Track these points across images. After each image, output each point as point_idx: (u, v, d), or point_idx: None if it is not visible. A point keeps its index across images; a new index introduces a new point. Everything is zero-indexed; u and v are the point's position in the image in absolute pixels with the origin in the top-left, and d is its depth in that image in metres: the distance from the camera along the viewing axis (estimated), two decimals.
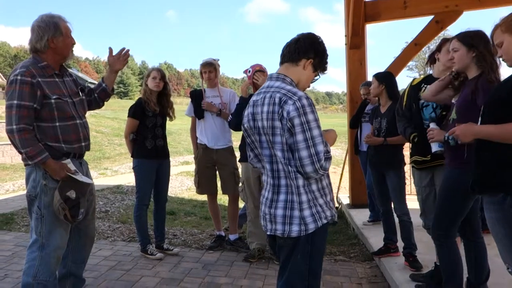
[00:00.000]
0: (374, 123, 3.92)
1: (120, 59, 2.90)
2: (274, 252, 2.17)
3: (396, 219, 3.78)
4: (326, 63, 2.08)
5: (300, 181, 1.91)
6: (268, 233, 2.04)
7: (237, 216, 4.61)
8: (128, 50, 2.91)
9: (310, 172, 1.85)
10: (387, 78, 3.87)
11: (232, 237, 4.53)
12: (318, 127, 1.87)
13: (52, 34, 2.52)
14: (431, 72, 3.26)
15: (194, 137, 4.58)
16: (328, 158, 1.87)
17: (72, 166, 2.53)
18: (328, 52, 2.08)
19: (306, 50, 2.00)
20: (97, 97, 2.92)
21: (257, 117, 1.98)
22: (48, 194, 2.48)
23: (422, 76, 3.33)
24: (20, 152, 2.45)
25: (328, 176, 2.04)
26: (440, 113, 3.04)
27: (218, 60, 4.48)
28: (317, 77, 2.11)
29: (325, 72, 2.11)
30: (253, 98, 2.06)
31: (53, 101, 2.49)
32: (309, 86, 2.12)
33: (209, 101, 4.38)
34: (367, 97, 5.10)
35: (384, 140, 3.68)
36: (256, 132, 2.01)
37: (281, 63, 2.07)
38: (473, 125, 2.09)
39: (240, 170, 4.39)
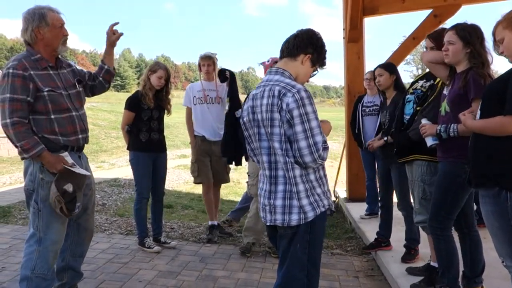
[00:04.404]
0: (381, 117, 3.91)
1: (116, 34, 2.86)
2: (274, 243, 2.19)
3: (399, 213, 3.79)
4: (325, 58, 2.11)
5: (297, 172, 1.95)
6: (268, 223, 2.07)
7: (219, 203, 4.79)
8: (116, 23, 2.86)
9: (309, 162, 1.89)
10: (395, 69, 3.85)
11: (211, 223, 4.62)
12: (316, 118, 1.91)
13: (36, 25, 2.48)
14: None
15: (191, 126, 4.60)
16: (326, 148, 1.92)
17: (69, 159, 2.52)
18: (326, 48, 2.10)
19: (304, 46, 2.04)
20: (102, 80, 2.91)
21: (256, 110, 2.02)
22: (45, 188, 2.47)
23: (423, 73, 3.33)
24: (16, 146, 2.44)
25: (323, 168, 2.07)
26: (414, 109, 3.06)
27: (216, 54, 4.56)
28: (316, 71, 2.14)
29: (324, 67, 2.14)
30: (253, 92, 2.10)
31: (45, 93, 2.47)
32: (308, 81, 2.14)
33: (205, 94, 4.43)
34: (369, 83, 5.01)
35: (386, 141, 3.62)
36: (255, 125, 2.05)
37: (281, 58, 2.11)
38: (466, 121, 2.16)
39: (248, 165, 4.36)
